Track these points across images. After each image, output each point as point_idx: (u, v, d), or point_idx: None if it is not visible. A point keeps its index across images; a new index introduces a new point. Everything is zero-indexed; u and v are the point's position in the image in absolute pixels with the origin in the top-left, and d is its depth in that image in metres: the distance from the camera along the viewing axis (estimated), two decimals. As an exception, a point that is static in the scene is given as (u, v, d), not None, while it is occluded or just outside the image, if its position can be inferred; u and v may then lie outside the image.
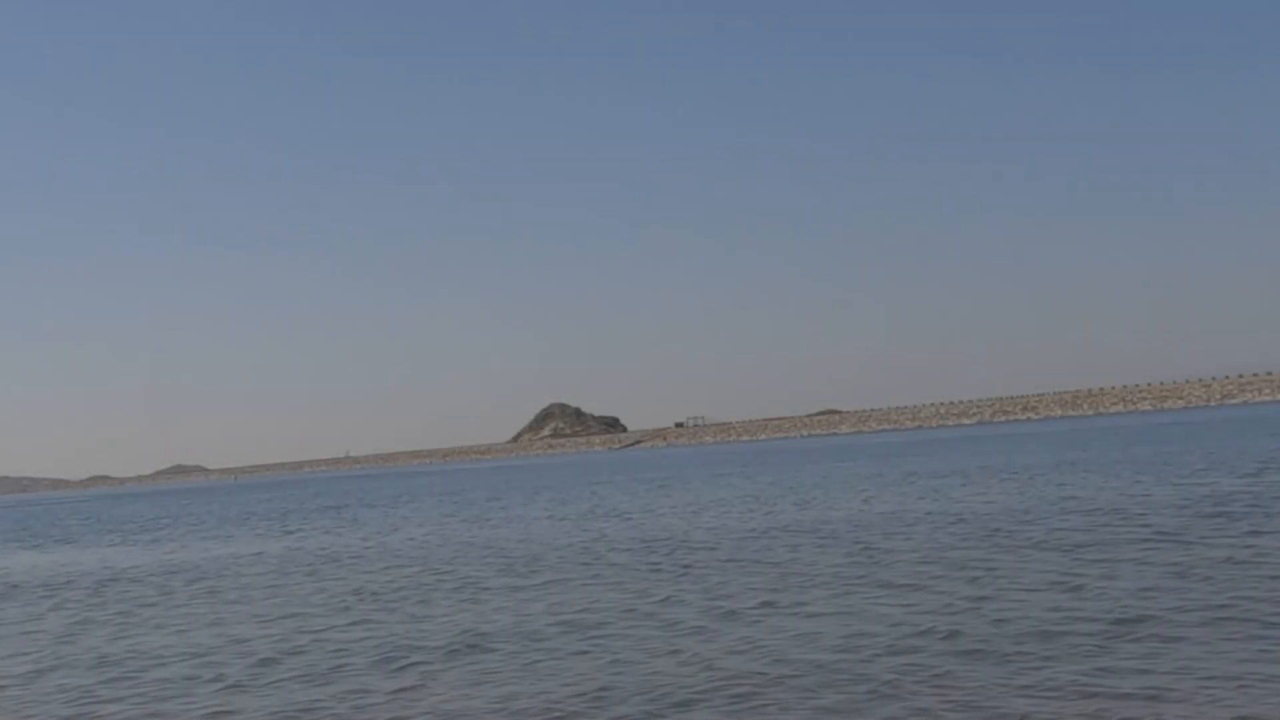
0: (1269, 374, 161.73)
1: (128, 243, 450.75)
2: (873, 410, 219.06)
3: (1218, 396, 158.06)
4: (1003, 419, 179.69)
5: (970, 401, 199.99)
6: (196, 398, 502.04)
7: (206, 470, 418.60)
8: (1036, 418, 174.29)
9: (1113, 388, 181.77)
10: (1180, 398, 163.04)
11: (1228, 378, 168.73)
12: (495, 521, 35.68)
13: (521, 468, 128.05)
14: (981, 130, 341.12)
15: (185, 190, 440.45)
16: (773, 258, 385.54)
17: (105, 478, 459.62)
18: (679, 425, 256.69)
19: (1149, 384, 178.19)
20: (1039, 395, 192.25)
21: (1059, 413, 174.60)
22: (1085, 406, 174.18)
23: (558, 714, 10.15)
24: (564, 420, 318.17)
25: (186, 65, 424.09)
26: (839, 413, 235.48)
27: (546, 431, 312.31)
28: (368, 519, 43.39)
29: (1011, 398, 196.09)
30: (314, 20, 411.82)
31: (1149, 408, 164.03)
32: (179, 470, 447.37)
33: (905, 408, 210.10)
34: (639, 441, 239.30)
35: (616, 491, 49.25)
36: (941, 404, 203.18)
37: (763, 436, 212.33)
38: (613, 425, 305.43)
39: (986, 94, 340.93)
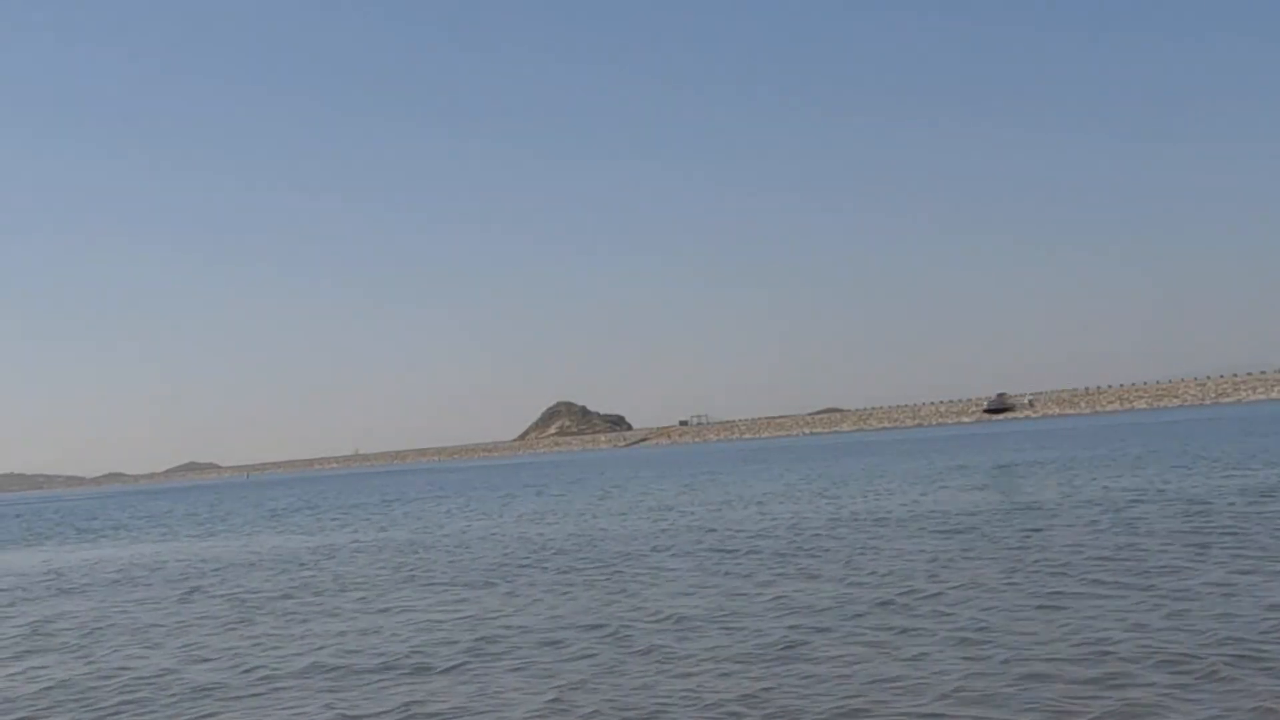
0: (1262, 373, 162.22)
1: (141, 244, 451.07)
2: (874, 409, 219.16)
3: (1212, 395, 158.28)
4: (1001, 418, 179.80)
5: (969, 400, 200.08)
6: (208, 396, 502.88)
7: (219, 468, 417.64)
8: (1034, 416, 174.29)
9: (1109, 387, 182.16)
10: (1176, 396, 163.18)
11: (1222, 377, 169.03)
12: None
13: (551, 464, 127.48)
14: (977, 137, 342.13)
15: (198, 194, 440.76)
16: (776, 259, 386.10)
17: (119, 475, 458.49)
18: (683, 423, 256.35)
19: (1145, 383, 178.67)
20: (1036, 394, 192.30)
21: (1056, 411, 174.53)
22: (1083, 405, 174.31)
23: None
24: (570, 418, 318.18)
25: (194, 67, 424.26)
26: (841, 411, 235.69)
27: (553, 429, 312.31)
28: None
29: (1010, 397, 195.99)
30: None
31: (1145, 406, 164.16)
32: (192, 468, 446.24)
33: (905, 406, 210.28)
34: (644, 439, 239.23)
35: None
36: (941, 403, 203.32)
37: (765, 435, 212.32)
38: (618, 423, 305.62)
39: (991, 88, 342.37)
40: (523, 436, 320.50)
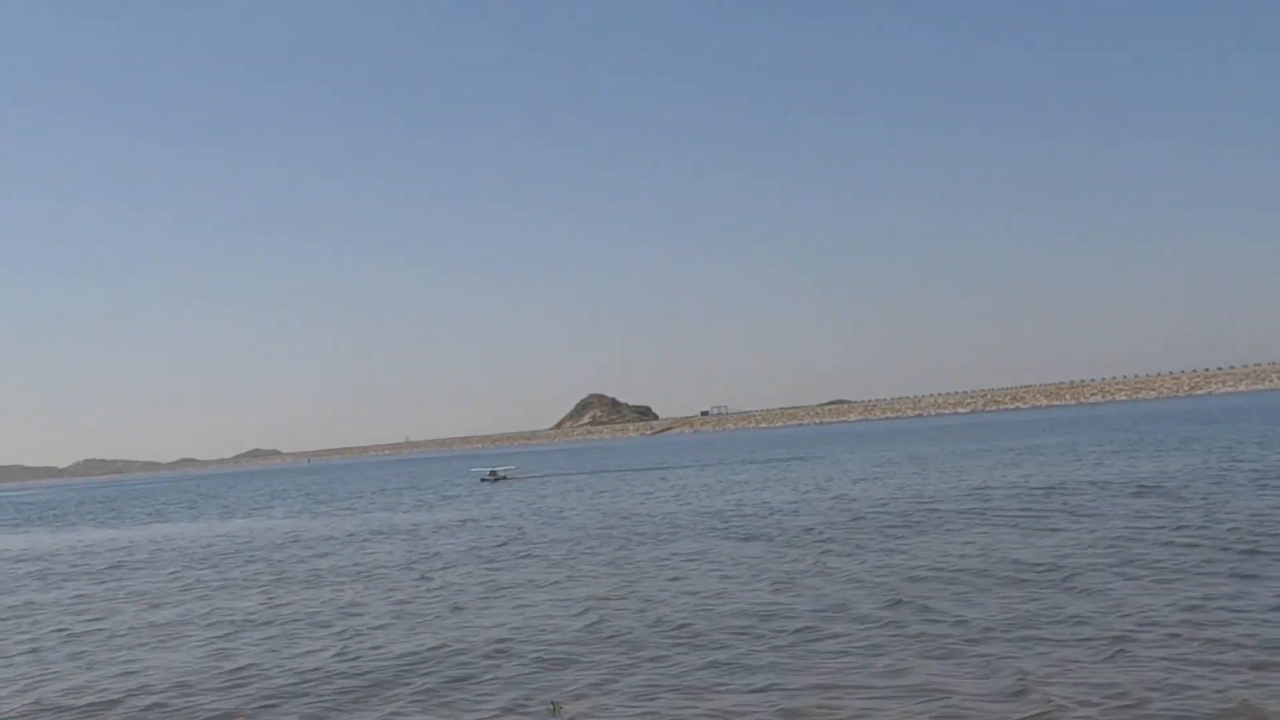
0: (1232, 368, 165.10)
1: (201, 245, 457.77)
2: (877, 400, 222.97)
3: (1186, 388, 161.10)
4: (994, 408, 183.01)
5: (965, 393, 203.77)
6: (271, 387, 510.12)
7: (280, 454, 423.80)
8: (1024, 407, 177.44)
9: (1092, 380, 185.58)
10: (1153, 389, 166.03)
11: (1195, 371, 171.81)
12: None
13: (599, 450, 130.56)
14: (970, 145, 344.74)
15: (252, 190, 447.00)
16: (785, 263, 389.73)
17: (191, 461, 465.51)
18: (704, 414, 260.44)
19: (1124, 377, 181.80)
20: (1026, 387, 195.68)
21: (1044, 402, 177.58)
22: (1068, 397, 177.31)
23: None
24: (602, 409, 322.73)
25: (204, 66, 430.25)
26: (847, 402, 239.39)
27: (586, 419, 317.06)
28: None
29: (1001, 389, 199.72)
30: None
31: (1125, 398, 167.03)
32: (256, 454, 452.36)
33: (907, 398, 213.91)
34: (670, 428, 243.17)
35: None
36: (939, 395, 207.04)
37: (780, 424, 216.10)
38: (645, 414, 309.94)
39: (974, 97, 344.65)
40: (558, 425, 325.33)
